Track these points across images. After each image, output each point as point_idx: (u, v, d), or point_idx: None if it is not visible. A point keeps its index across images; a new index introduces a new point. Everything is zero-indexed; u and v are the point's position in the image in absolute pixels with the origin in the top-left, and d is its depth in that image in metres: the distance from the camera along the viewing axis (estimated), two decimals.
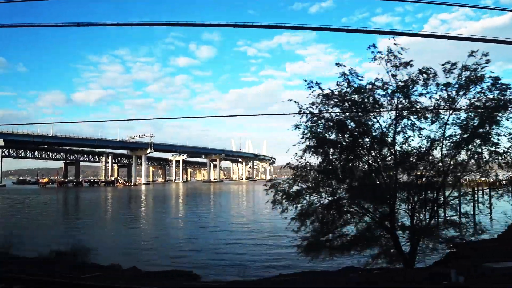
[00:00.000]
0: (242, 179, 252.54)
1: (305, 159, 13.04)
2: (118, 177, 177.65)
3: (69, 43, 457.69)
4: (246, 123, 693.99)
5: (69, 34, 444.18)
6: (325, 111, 13.26)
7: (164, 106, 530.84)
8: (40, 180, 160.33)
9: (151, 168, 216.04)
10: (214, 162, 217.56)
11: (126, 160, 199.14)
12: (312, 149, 12.70)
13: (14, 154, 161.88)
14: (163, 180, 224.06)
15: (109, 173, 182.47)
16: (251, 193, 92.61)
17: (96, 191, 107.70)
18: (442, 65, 12.47)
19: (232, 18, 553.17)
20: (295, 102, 13.39)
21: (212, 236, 25.44)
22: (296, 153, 14.05)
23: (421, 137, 13.07)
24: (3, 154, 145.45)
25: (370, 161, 13.29)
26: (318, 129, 13.16)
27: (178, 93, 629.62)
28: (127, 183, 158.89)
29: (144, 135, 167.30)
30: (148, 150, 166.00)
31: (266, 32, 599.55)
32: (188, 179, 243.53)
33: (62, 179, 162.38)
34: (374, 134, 13.19)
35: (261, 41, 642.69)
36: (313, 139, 13.15)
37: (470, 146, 12.53)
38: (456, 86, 12.44)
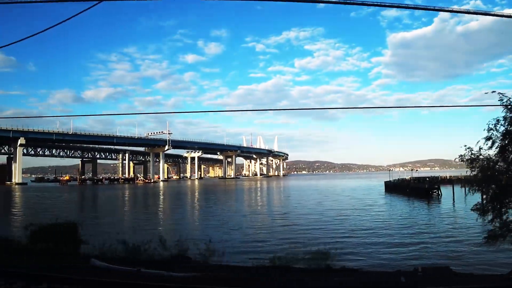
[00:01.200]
0: (256, 175, 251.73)
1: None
2: (138, 175, 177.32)
3: (78, 42, 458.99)
4: (255, 119, 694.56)
5: (77, 33, 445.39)
6: None
7: (172, 103, 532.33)
8: (61, 178, 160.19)
9: (165, 165, 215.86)
10: (228, 159, 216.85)
11: (141, 157, 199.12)
12: None
13: (32, 152, 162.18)
14: (177, 177, 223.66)
15: (126, 171, 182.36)
16: (281, 189, 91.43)
17: (124, 188, 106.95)
18: None
19: (239, 14, 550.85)
20: (499, 93, 12.66)
21: (328, 234, 24.18)
22: (467, 146, 13.12)
23: None
24: (22, 152, 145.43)
25: None
26: None
27: (187, 90, 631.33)
28: (146, 180, 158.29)
29: (162, 132, 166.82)
30: (166, 147, 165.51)
31: (274, 27, 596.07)
32: (202, 176, 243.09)
33: (83, 176, 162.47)
34: None
35: (269, 37, 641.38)
36: None
37: None
38: None
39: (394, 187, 71.78)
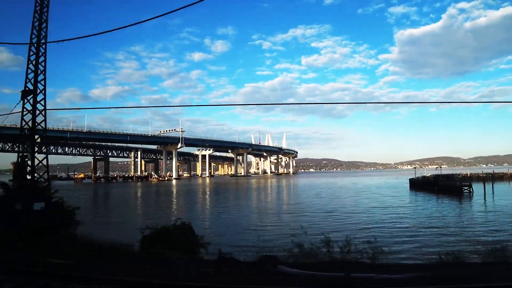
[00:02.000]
0: (265, 173, 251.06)
1: None
2: (152, 173, 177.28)
3: (85, 41, 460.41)
4: (262, 117, 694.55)
5: (85, 32, 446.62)
6: None
7: (179, 100, 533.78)
8: (76, 176, 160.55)
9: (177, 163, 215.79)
10: (238, 157, 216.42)
11: (152, 155, 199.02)
12: None
13: (44, 150, 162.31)
14: (188, 175, 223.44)
15: (138, 169, 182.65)
16: (302, 187, 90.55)
17: (143, 186, 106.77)
18: None
19: (246, 12, 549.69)
20: None
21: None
22: None
23: None
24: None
25: None
26: None
27: (194, 88, 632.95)
28: (160, 178, 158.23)
29: (175, 129, 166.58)
30: (179, 145, 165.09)
31: (280, 25, 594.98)
32: (212, 173, 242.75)
33: (97, 174, 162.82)
34: None
35: (275, 35, 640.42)
36: None
37: None
38: None
39: (420, 185, 70.96)
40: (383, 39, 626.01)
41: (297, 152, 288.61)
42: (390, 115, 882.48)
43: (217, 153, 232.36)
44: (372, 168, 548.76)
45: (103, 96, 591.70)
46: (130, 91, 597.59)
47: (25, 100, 13.30)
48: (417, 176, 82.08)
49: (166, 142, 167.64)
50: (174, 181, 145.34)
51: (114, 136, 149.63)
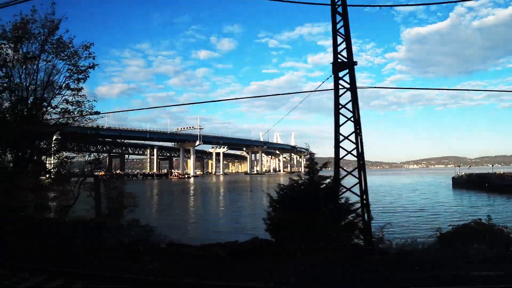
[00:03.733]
0: (276, 171, 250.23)
1: None
2: (172, 170, 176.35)
3: (91, 38, 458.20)
4: (267, 115, 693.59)
5: (91, 29, 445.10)
6: None
7: (185, 98, 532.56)
8: (96, 173, 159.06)
9: (189, 161, 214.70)
10: (253, 155, 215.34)
11: (167, 153, 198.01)
12: None
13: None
14: (201, 173, 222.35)
15: (154, 166, 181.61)
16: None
17: (173, 184, 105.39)
18: None
19: (252, 9, 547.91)
20: None
21: None
22: None
23: None
24: None
25: None
26: None
27: (199, 86, 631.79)
28: (180, 176, 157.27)
29: (193, 127, 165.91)
30: (197, 143, 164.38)
31: (287, 23, 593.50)
32: (225, 171, 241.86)
33: (118, 171, 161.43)
34: None
35: (282, 33, 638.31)
36: None
37: None
38: None
39: (465, 183, 70.38)
40: (390, 38, 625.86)
41: (308, 150, 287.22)
42: (395, 114, 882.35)
43: (230, 151, 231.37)
44: (378, 168, 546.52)
45: (109, 94, 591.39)
46: (136, 89, 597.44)
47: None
48: (456, 174, 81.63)
49: (183, 140, 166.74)
50: (192, 179, 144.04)
51: (133, 133, 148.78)
